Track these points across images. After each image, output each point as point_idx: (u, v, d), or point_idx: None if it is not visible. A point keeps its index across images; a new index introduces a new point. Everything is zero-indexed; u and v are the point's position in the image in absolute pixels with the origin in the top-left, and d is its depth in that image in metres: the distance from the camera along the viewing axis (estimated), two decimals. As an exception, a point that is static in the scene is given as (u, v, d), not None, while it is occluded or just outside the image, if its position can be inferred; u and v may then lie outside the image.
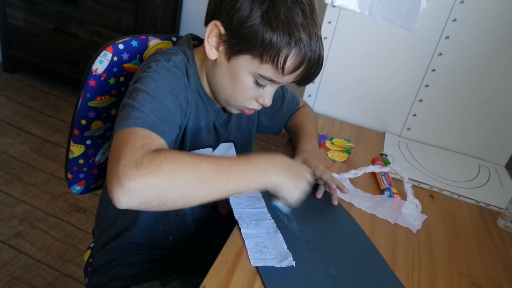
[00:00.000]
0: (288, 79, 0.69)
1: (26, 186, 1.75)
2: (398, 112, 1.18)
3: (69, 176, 0.87)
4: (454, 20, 1.04)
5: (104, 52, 0.78)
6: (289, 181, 0.66)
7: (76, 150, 0.84)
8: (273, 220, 0.73)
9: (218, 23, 0.67)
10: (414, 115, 1.17)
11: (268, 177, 0.64)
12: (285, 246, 0.67)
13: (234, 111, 0.77)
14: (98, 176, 0.92)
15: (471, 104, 1.13)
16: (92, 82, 0.78)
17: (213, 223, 0.86)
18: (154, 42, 0.83)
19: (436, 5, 1.03)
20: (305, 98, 1.23)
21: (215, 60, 0.70)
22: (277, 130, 1.01)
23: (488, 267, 0.76)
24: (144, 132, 0.57)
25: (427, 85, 1.13)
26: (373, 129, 1.22)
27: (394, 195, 0.88)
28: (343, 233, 0.75)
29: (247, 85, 0.70)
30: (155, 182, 0.52)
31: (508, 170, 1.14)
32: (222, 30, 0.67)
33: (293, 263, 0.64)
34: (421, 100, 1.15)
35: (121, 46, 0.79)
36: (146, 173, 0.52)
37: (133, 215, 0.78)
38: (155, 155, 0.54)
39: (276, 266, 0.63)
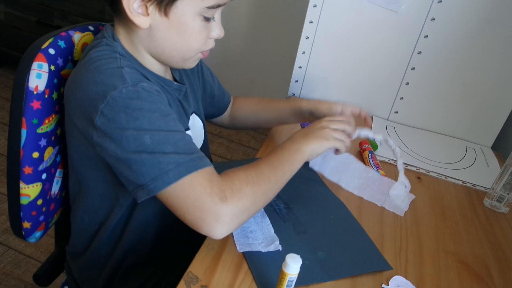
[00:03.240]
0: None
1: (13, 182, 1.72)
2: (386, 96, 1.18)
3: (26, 225, 0.72)
4: (439, 1, 1.03)
5: (38, 63, 0.64)
6: (313, 142, 0.69)
7: (32, 191, 0.70)
8: (260, 205, 0.72)
9: None
10: (401, 98, 1.17)
11: (302, 152, 0.68)
12: (272, 230, 0.67)
13: (193, 63, 0.70)
14: (54, 210, 0.79)
15: (457, 86, 1.13)
16: (36, 104, 0.65)
17: None
18: (77, 36, 0.72)
19: (421, -14, 1.03)
20: (292, 84, 1.23)
21: (149, 27, 0.62)
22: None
23: (475, 245, 0.77)
24: (194, 175, 0.56)
25: (413, 68, 1.12)
26: (360, 114, 1.21)
27: (382, 176, 0.88)
28: (331, 216, 0.75)
29: (198, 27, 0.63)
30: (244, 206, 0.58)
31: (494, 151, 1.15)
32: None
33: (280, 247, 0.64)
34: (407, 83, 1.15)
35: (51, 51, 0.66)
36: (235, 202, 0.57)
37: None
38: (230, 183, 0.58)
39: (263, 251, 0.63)
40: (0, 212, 1.58)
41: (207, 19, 0.64)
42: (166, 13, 0.61)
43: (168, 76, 0.74)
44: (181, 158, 0.56)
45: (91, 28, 0.76)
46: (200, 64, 0.86)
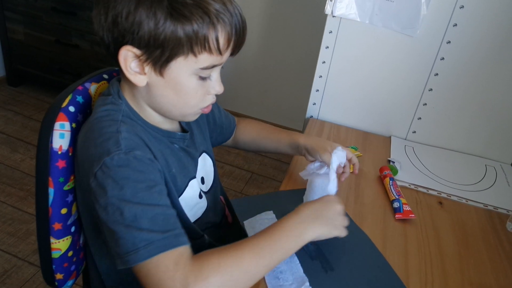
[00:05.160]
0: (227, 55, 0.65)
1: (40, 202, 1.78)
2: (403, 116, 1.20)
3: (59, 276, 0.75)
4: (455, 25, 1.04)
5: (60, 123, 0.66)
6: (323, 228, 0.67)
7: (63, 245, 0.73)
8: (288, 243, 0.75)
9: (128, 47, 0.60)
10: (419, 118, 1.18)
11: (304, 238, 0.65)
12: (301, 270, 0.70)
13: (193, 117, 0.71)
14: (84, 258, 0.81)
15: (474, 105, 1.14)
16: (61, 163, 0.67)
17: (227, 233, 0.87)
18: (93, 88, 0.74)
19: (436, 11, 1.04)
20: (310, 106, 1.25)
21: (147, 84, 0.64)
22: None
23: (499, 274, 0.78)
24: (163, 256, 0.55)
25: (431, 89, 1.14)
26: (379, 134, 1.23)
27: (404, 205, 0.90)
28: (357, 251, 0.77)
29: (194, 86, 0.64)
30: None
31: (514, 168, 1.16)
32: (137, 51, 0.60)
33: (310, 288, 0.66)
34: (425, 104, 1.16)
35: (72, 109, 0.68)
36: None
37: None
38: (197, 270, 0.55)
39: (294, 292, 0.66)
40: (30, 232, 1.63)
41: (203, 78, 0.65)
42: (161, 73, 0.62)
43: (175, 124, 0.75)
44: (154, 236, 0.55)
45: (105, 76, 0.77)
46: None
